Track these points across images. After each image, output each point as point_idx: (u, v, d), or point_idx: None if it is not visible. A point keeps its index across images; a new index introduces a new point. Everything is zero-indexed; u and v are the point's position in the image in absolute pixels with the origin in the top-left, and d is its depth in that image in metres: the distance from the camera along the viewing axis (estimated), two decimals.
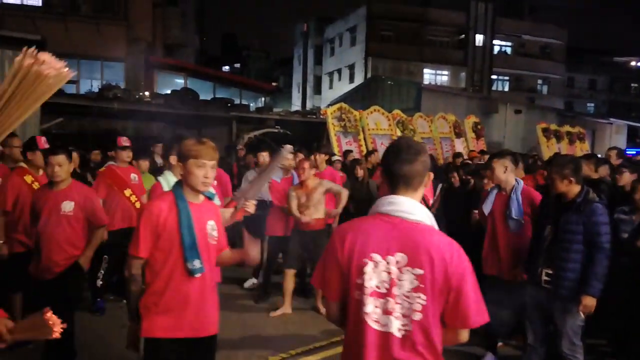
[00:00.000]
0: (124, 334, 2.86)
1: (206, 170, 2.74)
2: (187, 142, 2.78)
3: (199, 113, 15.25)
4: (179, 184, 2.85)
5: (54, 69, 1.00)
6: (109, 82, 18.45)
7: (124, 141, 6.07)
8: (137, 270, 2.71)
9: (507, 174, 4.43)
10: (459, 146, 14.64)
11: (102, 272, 5.87)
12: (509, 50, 40.78)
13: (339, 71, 38.94)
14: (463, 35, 36.59)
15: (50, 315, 1.91)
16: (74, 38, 18.45)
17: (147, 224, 2.68)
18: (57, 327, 1.90)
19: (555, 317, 3.86)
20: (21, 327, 1.97)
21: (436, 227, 1.88)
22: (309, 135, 14.41)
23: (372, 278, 1.81)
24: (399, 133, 12.99)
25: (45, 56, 1.02)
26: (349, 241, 1.87)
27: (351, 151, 10.67)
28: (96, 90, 17.13)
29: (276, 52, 50.89)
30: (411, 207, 1.85)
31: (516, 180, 4.47)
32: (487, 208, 4.54)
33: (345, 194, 5.93)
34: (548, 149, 16.44)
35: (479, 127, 15.76)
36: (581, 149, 17.74)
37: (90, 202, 4.15)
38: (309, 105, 30.15)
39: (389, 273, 1.80)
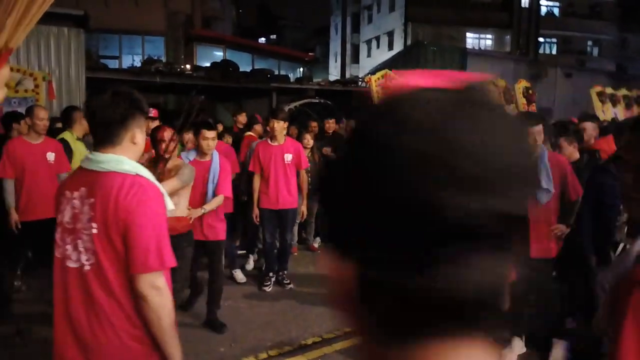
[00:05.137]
0: None
1: None
2: None
3: (239, 85, 15.10)
4: None
5: None
6: (150, 56, 18.47)
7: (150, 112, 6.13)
8: None
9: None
10: None
11: None
12: (556, 10, 38.97)
13: (377, 39, 38.02)
14: None
15: None
16: (115, 13, 18.44)
17: None
18: None
19: None
20: None
21: None
22: (350, 104, 14.10)
23: None
24: None
25: None
26: None
27: None
28: (138, 64, 17.16)
29: (312, 22, 50.07)
30: None
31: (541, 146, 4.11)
32: None
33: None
34: (603, 113, 15.60)
35: (530, 92, 15.07)
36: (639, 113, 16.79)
37: None
38: (347, 75, 29.68)
39: None
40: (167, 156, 4.03)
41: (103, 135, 2.01)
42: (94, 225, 1.87)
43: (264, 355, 4.37)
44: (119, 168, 1.93)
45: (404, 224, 0.49)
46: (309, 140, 7.05)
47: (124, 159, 1.96)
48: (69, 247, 1.95)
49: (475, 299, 0.49)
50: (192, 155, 4.77)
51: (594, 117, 6.29)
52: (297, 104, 14.55)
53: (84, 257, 1.90)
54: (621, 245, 3.64)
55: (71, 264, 1.93)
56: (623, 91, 17.01)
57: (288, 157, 5.77)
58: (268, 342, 4.55)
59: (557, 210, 4.12)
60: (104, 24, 17.21)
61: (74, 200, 1.96)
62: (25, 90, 7.80)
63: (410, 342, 0.53)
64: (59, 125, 6.29)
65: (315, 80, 20.56)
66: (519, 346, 4.38)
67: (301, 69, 28.77)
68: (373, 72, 16.57)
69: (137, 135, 2.03)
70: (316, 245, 7.62)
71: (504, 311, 0.53)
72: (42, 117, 5.11)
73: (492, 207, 0.48)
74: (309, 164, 6.25)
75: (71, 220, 1.95)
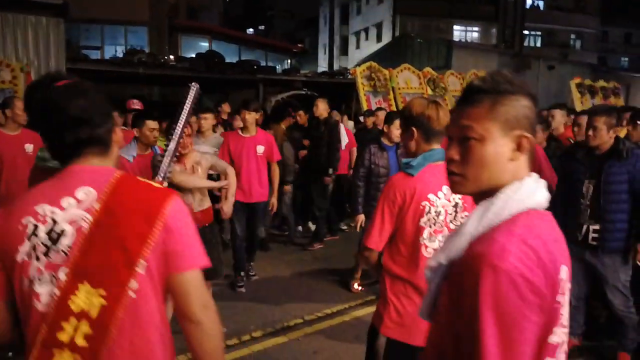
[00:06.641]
0: None
1: None
2: None
3: (225, 76, 15.01)
4: None
5: None
6: (133, 46, 18.30)
7: (134, 104, 5.99)
8: None
9: None
10: None
11: None
12: (541, 4, 39.19)
13: (366, 30, 37.99)
14: None
15: None
16: (97, 2, 18.19)
17: None
18: None
19: (604, 275, 3.71)
20: None
21: None
22: (338, 96, 14.09)
23: None
24: (429, 92, 12.60)
25: None
26: None
27: (382, 109, 10.36)
28: (121, 55, 17.00)
29: (301, 12, 49.78)
30: None
31: None
32: None
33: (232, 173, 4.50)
34: (582, 104, 15.89)
35: None
36: (616, 104, 17.10)
37: None
38: (335, 67, 29.62)
39: None
40: (185, 152, 4.05)
41: None
42: None
43: (247, 337, 4.45)
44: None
45: (56, 128, 1.40)
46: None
47: None
48: None
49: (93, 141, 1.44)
50: (134, 150, 4.33)
51: (563, 106, 6.36)
52: (284, 95, 14.52)
53: None
54: (584, 227, 3.76)
55: None
56: (601, 83, 17.39)
57: (260, 148, 5.55)
58: (251, 325, 4.64)
59: None
60: (86, 13, 16.99)
61: None
62: (2, 82, 7.70)
63: (71, 159, 1.43)
64: None
65: (302, 72, 20.49)
66: None
67: (289, 61, 28.66)
68: (360, 64, 16.61)
69: None
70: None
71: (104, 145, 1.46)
72: (23, 108, 5.09)
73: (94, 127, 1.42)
74: (281, 156, 6.01)
75: None
